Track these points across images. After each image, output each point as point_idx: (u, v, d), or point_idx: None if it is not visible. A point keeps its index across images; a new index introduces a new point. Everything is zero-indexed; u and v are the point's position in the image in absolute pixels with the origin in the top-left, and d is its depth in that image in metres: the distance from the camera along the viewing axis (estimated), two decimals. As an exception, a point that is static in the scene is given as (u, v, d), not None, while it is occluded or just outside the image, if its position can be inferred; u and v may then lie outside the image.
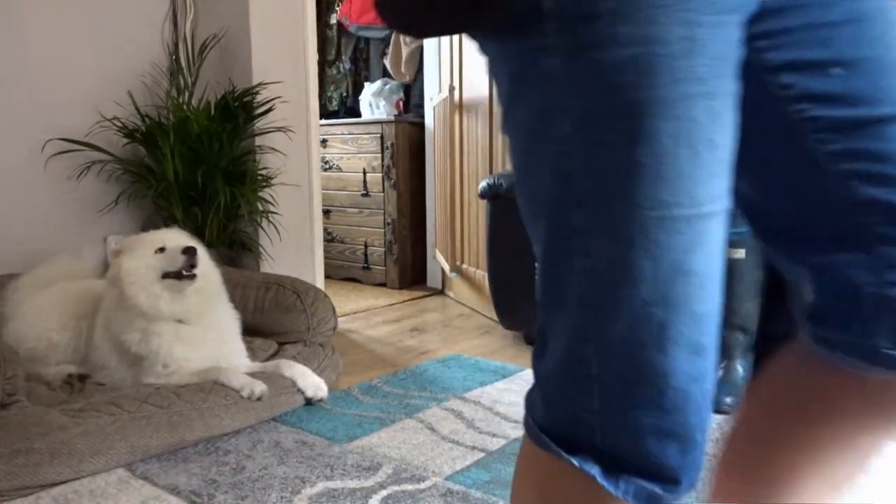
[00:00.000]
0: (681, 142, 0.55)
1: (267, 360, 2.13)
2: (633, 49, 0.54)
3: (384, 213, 3.89)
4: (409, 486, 1.57)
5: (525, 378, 2.32)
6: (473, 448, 1.77)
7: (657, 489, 0.59)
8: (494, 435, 1.86)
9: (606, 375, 0.59)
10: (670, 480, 0.60)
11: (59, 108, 2.61)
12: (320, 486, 1.57)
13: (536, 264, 0.64)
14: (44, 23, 2.58)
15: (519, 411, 2.02)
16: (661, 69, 0.54)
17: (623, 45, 0.54)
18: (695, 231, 0.56)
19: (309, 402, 2.04)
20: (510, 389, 2.21)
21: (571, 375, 0.61)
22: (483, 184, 2.74)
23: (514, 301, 2.72)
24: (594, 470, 0.60)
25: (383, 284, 3.97)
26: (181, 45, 2.87)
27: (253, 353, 2.13)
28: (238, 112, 2.65)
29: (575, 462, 0.60)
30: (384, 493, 1.54)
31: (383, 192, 3.87)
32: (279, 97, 2.73)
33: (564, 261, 0.60)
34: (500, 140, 3.03)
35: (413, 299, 3.68)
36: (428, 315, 3.33)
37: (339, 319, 3.22)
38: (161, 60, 2.87)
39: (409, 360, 2.56)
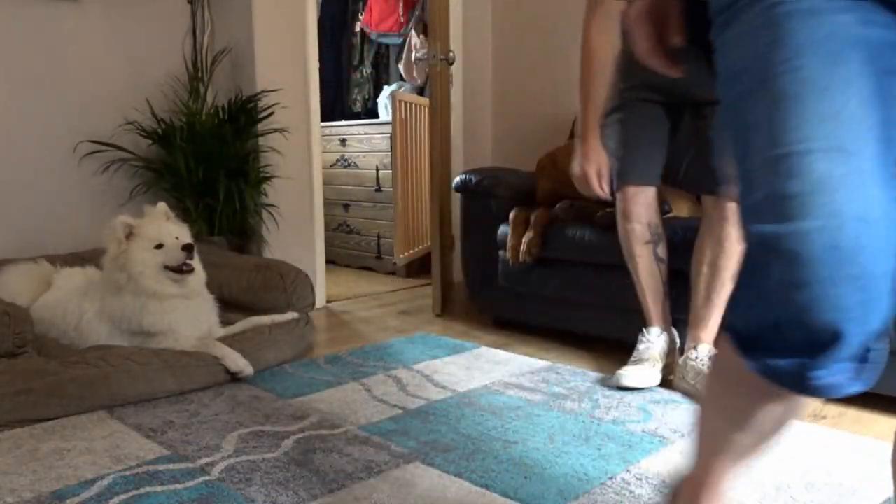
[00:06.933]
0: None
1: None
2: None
3: (395, 207, 4.21)
4: (324, 432, 1.87)
5: (474, 354, 2.58)
6: (395, 406, 2.06)
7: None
8: (418, 397, 2.14)
9: None
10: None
11: (89, 112, 3.05)
12: (252, 429, 1.89)
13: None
14: (79, 37, 3.01)
15: (450, 380, 2.29)
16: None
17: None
18: None
19: (234, 376, 2.26)
20: (454, 363, 2.48)
21: None
22: (457, 179, 3.01)
23: (482, 284, 2.98)
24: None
25: (394, 273, 4.29)
26: (198, 58, 3.26)
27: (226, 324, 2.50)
28: (240, 116, 3.03)
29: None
30: (300, 435, 1.85)
31: (394, 187, 4.18)
32: (277, 103, 3.10)
33: None
34: (473, 139, 3.29)
35: (417, 286, 3.98)
36: (423, 300, 3.62)
37: (341, 303, 3.57)
38: (177, 71, 3.26)
39: (382, 338, 2.86)
